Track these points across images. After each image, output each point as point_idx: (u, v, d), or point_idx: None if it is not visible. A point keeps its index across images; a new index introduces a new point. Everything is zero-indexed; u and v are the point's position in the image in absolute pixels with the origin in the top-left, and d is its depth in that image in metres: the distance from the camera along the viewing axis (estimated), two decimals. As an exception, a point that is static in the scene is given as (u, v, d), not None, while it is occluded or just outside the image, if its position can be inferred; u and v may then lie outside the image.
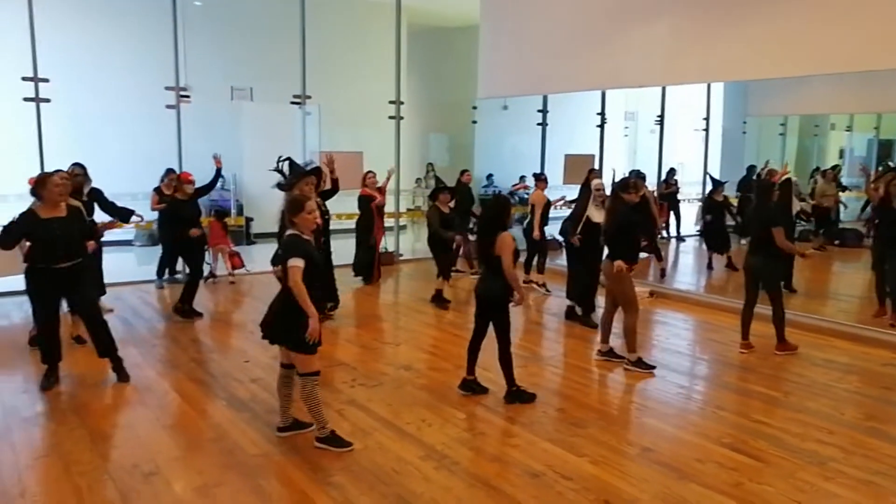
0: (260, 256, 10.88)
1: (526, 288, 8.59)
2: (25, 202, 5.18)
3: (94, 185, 7.28)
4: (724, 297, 8.33)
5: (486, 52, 10.72)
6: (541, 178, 8.98)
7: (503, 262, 4.82)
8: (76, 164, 7.11)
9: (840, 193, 12.54)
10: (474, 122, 14.07)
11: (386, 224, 9.80)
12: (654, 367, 5.79)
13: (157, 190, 8.88)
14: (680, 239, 13.30)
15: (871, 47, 6.48)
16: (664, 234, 12.91)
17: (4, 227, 5.01)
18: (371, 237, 9.15)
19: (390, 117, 10.99)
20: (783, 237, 6.00)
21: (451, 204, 8.44)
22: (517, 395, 5.04)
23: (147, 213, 8.97)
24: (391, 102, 11.02)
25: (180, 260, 8.65)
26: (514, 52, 10.23)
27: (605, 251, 6.03)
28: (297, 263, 3.95)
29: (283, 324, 4.10)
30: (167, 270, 9.04)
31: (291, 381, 4.34)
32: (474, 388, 5.17)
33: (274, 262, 4.19)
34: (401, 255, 11.33)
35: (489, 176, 15.89)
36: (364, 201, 9.00)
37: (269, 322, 4.19)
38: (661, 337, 6.95)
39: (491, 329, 5.04)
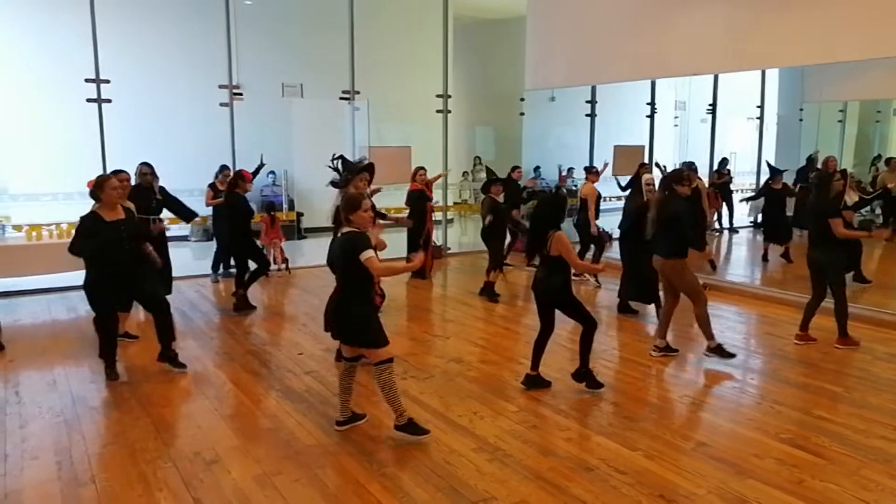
0: (310, 251, 11.09)
1: (578, 281, 8.54)
2: (89, 201, 5.39)
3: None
4: (781, 290, 8.11)
5: (534, 44, 10.64)
6: (591, 171, 8.88)
7: (569, 260, 4.86)
8: (144, 164, 7.30)
9: None
10: (522, 114, 13.99)
11: (435, 218, 9.86)
12: (734, 355, 5.73)
13: (212, 186, 9.10)
14: (733, 230, 12.99)
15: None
16: (717, 225, 12.63)
17: (78, 234, 5.23)
18: (425, 232, 9.24)
19: (438, 111, 11.01)
20: (842, 227, 5.83)
21: (500, 198, 8.43)
22: (586, 377, 5.07)
23: (202, 208, 9.20)
24: (438, 96, 11.04)
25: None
26: (561, 43, 10.13)
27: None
28: (370, 254, 4.03)
29: (351, 325, 4.19)
30: (222, 265, 9.28)
31: (354, 375, 4.42)
32: (538, 383, 5.16)
33: (330, 260, 4.25)
34: (449, 248, 11.37)
35: (536, 168, 15.77)
36: (417, 198, 9.07)
37: (334, 321, 4.29)
38: (715, 330, 6.75)
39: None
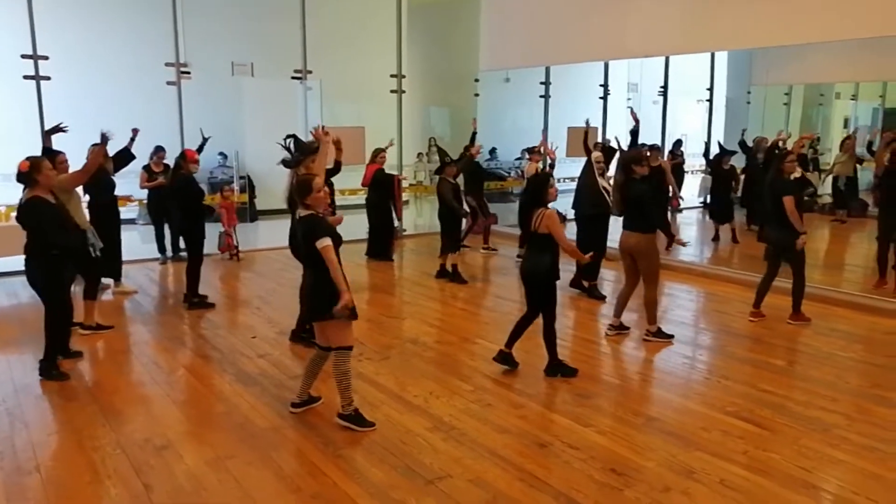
0: (264, 233, 10.92)
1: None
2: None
3: None
4: (730, 269, 8.34)
5: (489, 24, 10.62)
6: (534, 152, 8.98)
7: (556, 237, 4.85)
8: (96, 145, 7.03)
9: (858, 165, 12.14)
10: (476, 94, 13.96)
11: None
12: (672, 336, 5.86)
13: (146, 168, 8.87)
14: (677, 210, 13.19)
15: (877, 14, 6.41)
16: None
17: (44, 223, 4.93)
18: (395, 213, 9.28)
19: (392, 91, 10.90)
20: (793, 206, 5.99)
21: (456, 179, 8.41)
22: (559, 368, 5.08)
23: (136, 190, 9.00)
24: (392, 76, 10.93)
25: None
26: (516, 24, 10.13)
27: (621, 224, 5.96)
28: (326, 242, 3.97)
29: (318, 300, 4.12)
30: (171, 247, 9.06)
31: (322, 364, 4.36)
32: (509, 361, 5.18)
33: (292, 244, 4.14)
34: (404, 230, 11.32)
35: (492, 150, 15.78)
36: (384, 176, 9.05)
37: (307, 307, 4.26)
38: (666, 308, 6.94)
39: None
